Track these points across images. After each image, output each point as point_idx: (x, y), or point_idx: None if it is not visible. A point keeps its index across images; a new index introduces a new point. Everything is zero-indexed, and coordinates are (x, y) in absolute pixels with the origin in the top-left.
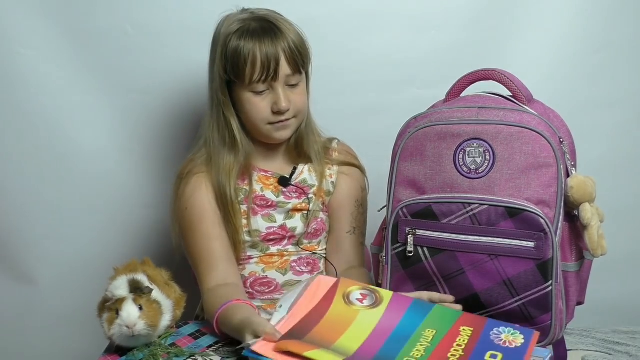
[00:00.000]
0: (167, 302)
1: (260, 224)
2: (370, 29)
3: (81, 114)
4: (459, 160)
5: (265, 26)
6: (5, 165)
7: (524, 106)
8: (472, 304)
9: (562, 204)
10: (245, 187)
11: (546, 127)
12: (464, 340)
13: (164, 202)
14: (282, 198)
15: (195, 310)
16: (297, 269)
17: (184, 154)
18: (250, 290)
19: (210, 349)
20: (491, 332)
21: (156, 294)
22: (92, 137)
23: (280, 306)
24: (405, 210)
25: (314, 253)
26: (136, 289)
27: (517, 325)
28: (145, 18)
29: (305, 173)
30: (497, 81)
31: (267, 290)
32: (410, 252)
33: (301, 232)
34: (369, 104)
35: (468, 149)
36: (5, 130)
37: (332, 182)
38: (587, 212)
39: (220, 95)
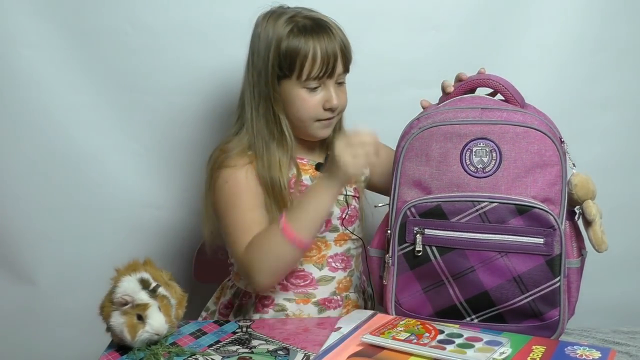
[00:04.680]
0: (172, 301)
1: None
2: (370, 29)
3: (81, 114)
4: (465, 160)
5: (319, 23)
6: (5, 166)
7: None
8: (482, 301)
9: (566, 202)
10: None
11: (548, 128)
12: (538, 355)
13: (164, 202)
14: None
15: (197, 310)
16: (333, 264)
17: (185, 154)
18: (285, 282)
19: (211, 348)
20: (565, 349)
21: (162, 291)
22: (92, 137)
23: (340, 327)
24: (413, 209)
25: (351, 237)
26: (147, 289)
27: (592, 344)
28: (145, 18)
29: None
30: (491, 88)
31: (302, 284)
32: (419, 251)
33: (337, 217)
34: (369, 104)
35: (474, 149)
36: (5, 130)
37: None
38: (592, 209)
39: (271, 91)
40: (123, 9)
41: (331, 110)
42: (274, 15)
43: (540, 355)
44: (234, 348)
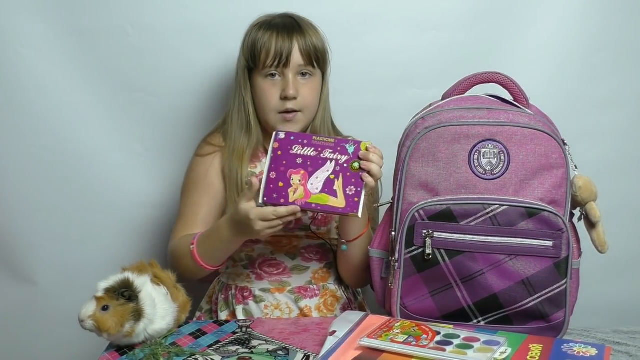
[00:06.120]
0: (168, 307)
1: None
2: (370, 29)
3: (81, 114)
4: (474, 162)
5: (286, 21)
6: (5, 166)
7: (526, 109)
8: (491, 304)
9: (569, 204)
10: (254, 169)
11: (552, 130)
12: (536, 353)
13: (165, 202)
14: None
15: (195, 310)
16: (306, 255)
17: (185, 153)
18: (259, 271)
19: (211, 349)
20: (562, 346)
21: (160, 297)
22: (92, 137)
23: (335, 331)
24: (421, 212)
25: (321, 239)
26: (119, 289)
27: (587, 342)
28: (145, 18)
29: None
30: (500, 84)
31: (275, 272)
32: (429, 254)
33: (307, 217)
34: (369, 104)
35: (483, 150)
36: (5, 130)
37: None
38: (596, 211)
39: (241, 80)
40: (123, 9)
41: (287, 98)
42: (256, 20)
43: (539, 354)
44: (233, 348)
